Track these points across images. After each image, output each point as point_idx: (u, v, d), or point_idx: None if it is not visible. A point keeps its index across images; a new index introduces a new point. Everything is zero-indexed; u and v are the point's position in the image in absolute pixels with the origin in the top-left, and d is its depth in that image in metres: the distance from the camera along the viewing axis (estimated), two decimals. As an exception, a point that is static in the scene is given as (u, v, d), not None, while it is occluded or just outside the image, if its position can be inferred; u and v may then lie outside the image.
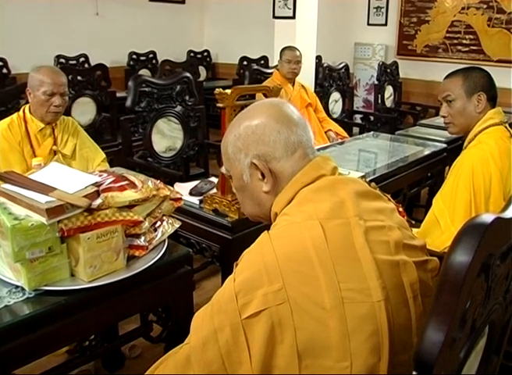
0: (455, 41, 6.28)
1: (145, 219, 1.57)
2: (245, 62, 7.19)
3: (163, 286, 1.66)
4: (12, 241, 1.30)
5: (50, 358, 1.84)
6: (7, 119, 2.44)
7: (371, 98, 6.35)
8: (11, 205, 1.42)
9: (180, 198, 1.74)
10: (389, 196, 1.28)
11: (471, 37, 6.14)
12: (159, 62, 6.79)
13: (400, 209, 1.26)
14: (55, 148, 2.48)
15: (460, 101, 2.07)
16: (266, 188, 1.18)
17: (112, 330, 2.10)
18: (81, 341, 1.71)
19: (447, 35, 6.34)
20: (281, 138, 1.15)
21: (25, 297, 1.39)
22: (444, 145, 3.56)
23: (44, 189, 1.42)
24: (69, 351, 2.04)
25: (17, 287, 1.42)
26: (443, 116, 2.15)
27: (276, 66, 4.40)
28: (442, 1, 6.30)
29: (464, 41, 6.20)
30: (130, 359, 2.39)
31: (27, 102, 2.56)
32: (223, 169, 1.29)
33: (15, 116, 2.45)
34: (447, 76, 2.14)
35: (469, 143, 2.06)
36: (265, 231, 1.08)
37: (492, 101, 2.07)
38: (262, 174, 1.17)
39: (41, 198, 1.37)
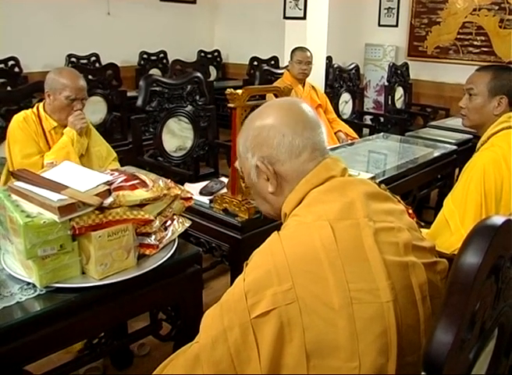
0: (466, 43, 6.25)
1: (156, 218, 1.58)
2: (255, 63, 7.20)
3: (173, 284, 1.67)
4: (25, 238, 1.31)
5: (60, 355, 1.85)
6: (21, 113, 2.45)
7: (382, 99, 6.34)
8: (23, 202, 1.43)
9: (191, 198, 1.75)
10: (398, 197, 1.28)
11: (483, 38, 6.11)
12: (170, 61, 6.82)
13: (410, 211, 1.26)
14: None
15: (481, 98, 2.04)
16: (271, 189, 1.20)
17: (121, 328, 2.11)
18: (91, 339, 1.72)
19: (458, 36, 6.31)
20: (285, 141, 1.16)
21: (36, 294, 1.40)
22: (454, 147, 3.55)
23: (56, 187, 1.44)
24: (80, 350, 2.05)
25: (29, 283, 1.43)
26: (461, 107, 2.13)
27: (287, 66, 4.40)
28: (453, 3, 6.27)
29: (475, 43, 6.17)
30: (139, 357, 2.41)
31: (40, 100, 2.58)
32: (236, 164, 1.31)
33: (28, 111, 2.46)
34: (479, 69, 2.12)
35: (482, 145, 2.04)
36: (275, 232, 1.09)
37: None
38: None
39: (53, 196, 1.39)
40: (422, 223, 1.50)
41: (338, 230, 1.02)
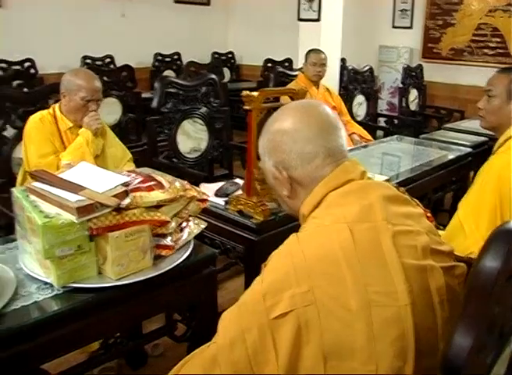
0: (481, 44, 6.21)
1: (172, 219, 1.58)
2: (269, 64, 7.21)
3: (188, 285, 1.68)
4: (43, 238, 1.32)
5: (76, 355, 1.87)
6: (38, 114, 2.48)
7: (396, 101, 6.32)
8: (42, 203, 1.44)
9: (206, 199, 1.75)
10: (417, 201, 1.27)
11: (498, 40, 6.06)
12: (183, 63, 6.85)
13: (429, 214, 1.26)
14: None
15: (499, 100, 2.03)
16: (285, 193, 1.22)
17: (136, 329, 2.12)
18: (106, 339, 1.74)
19: (473, 38, 6.26)
20: (296, 148, 1.16)
21: (53, 293, 1.42)
22: (469, 150, 3.52)
23: (74, 188, 1.45)
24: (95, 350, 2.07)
25: (46, 283, 1.44)
26: (479, 108, 2.12)
27: (301, 68, 4.40)
28: (468, 4, 6.23)
29: (491, 44, 6.12)
30: (153, 357, 2.42)
31: (56, 101, 2.60)
32: (260, 163, 1.32)
33: (45, 112, 2.49)
34: (499, 71, 2.11)
35: (499, 148, 2.03)
36: (294, 233, 1.10)
37: None
38: None
39: (72, 197, 1.40)
40: (441, 227, 1.49)
41: (356, 232, 1.02)
